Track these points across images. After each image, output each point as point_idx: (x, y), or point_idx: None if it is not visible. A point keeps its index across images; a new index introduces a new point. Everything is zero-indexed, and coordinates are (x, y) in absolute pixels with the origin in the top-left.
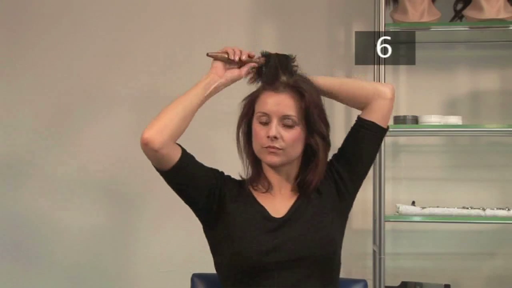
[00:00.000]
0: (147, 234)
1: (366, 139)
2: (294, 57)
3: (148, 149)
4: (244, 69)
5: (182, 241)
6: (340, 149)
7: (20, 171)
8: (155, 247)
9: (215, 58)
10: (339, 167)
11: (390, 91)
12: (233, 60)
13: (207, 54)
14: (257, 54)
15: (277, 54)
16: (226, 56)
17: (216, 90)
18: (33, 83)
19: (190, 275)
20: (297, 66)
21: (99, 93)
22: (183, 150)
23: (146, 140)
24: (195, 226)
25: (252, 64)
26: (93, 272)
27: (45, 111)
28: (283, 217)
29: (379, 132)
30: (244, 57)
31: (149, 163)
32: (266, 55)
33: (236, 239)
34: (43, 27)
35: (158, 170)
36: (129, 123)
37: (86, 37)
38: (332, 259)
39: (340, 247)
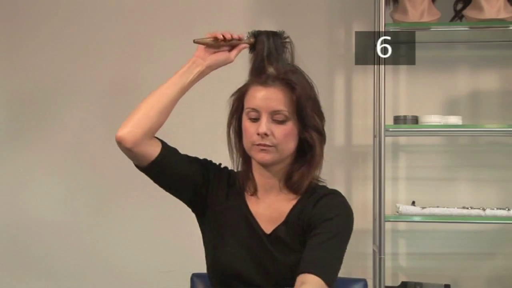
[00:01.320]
0: (146, 233)
1: None
2: (283, 33)
3: (121, 147)
4: (234, 52)
5: (182, 241)
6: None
7: None
8: (154, 247)
9: (203, 44)
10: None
11: None
12: (222, 41)
13: (194, 41)
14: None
15: (266, 32)
16: (211, 40)
17: (202, 75)
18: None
19: (190, 275)
20: (288, 41)
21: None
22: (164, 145)
23: (119, 139)
24: (194, 225)
25: (243, 46)
26: (92, 272)
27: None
28: (269, 234)
29: None
30: (228, 36)
31: None
32: (255, 34)
33: (218, 248)
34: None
35: (136, 166)
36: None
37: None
38: None
39: None
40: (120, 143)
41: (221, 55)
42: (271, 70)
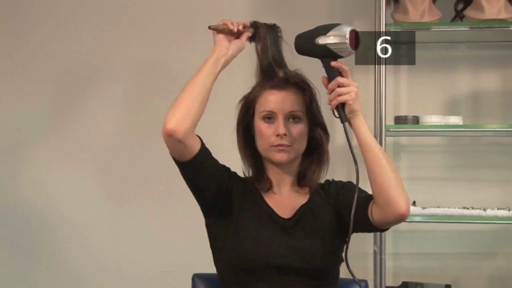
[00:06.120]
0: (148, 233)
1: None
2: (279, 27)
3: (172, 140)
4: (244, 39)
5: (183, 241)
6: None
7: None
8: (156, 247)
9: (217, 29)
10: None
11: (406, 213)
12: (233, 31)
13: (209, 27)
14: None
15: (265, 25)
16: (226, 27)
17: (226, 63)
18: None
19: (191, 275)
20: (280, 36)
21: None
22: (201, 140)
23: (170, 131)
24: (196, 226)
25: (247, 34)
26: (93, 272)
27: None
28: (289, 218)
29: (372, 229)
30: (241, 27)
31: (148, 161)
32: (254, 25)
33: (240, 236)
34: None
35: (177, 161)
36: (126, 120)
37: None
38: (333, 272)
39: (342, 259)
40: (171, 135)
41: (238, 43)
42: (281, 74)
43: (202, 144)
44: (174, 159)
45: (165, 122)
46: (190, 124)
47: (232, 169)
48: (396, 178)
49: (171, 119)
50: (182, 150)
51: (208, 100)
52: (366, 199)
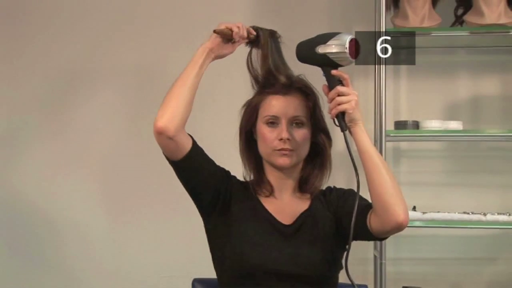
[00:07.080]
0: (147, 238)
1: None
2: (279, 34)
3: (163, 138)
4: (236, 46)
5: (183, 246)
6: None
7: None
8: (156, 251)
9: (222, 34)
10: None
11: (404, 222)
12: (234, 38)
13: (214, 31)
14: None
15: (267, 31)
16: (231, 33)
17: (212, 61)
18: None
19: (191, 280)
20: (281, 41)
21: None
22: (193, 139)
23: (161, 129)
24: (196, 231)
25: (243, 41)
26: (92, 277)
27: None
28: (290, 225)
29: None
30: (245, 41)
31: (148, 165)
32: (256, 30)
33: (240, 242)
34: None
35: (170, 160)
36: (125, 122)
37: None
38: (332, 279)
39: (342, 266)
40: (162, 133)
41: (227, 49)
42: (283, 79)
43: (194, 142)
44: (167, 158)
45: (156, 120)
46: (180, 121)
47: (232, 173)
48: (395, 187)
49: (162, 117)
50: (174, 147)
51: (193, 99)
52: (366, 208)
